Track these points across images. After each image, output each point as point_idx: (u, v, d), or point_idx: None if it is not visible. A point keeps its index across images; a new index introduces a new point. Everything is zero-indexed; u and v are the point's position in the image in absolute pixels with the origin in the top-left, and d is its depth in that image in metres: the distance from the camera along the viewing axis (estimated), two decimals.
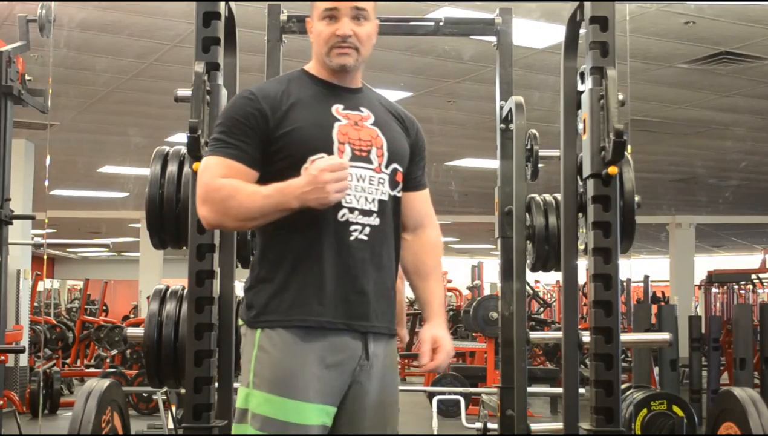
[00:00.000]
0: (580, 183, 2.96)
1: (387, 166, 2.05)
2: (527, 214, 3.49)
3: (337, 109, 2.05)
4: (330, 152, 1.98)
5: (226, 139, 1.99)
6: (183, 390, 2.80)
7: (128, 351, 10.12)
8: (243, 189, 1.94)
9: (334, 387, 1.97)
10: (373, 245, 2.01)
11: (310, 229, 1.96)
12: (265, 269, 2.02)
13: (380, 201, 2.03)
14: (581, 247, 3.01)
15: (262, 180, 1.99)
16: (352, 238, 1.98)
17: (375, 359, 2.02)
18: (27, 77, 4.60)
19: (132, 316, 15.52)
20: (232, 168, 1.97)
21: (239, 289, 3.12)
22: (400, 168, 2.08)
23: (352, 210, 1.98)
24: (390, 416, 2.07)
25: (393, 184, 2.06)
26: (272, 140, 2.00)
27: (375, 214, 2.01)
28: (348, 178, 1.90)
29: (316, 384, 1.95)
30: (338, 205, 1.95)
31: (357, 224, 1.98)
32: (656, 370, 8.33)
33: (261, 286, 2.02)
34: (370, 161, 2.02)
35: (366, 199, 2.00)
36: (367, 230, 2.00)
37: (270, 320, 1.99)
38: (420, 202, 2.19)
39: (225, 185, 1.94)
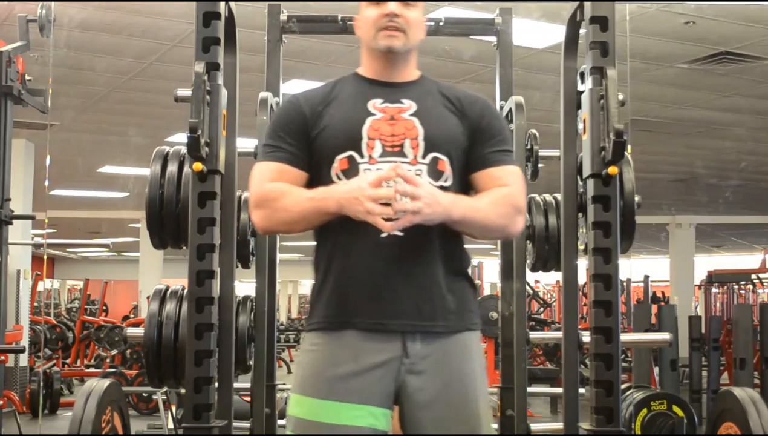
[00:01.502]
0: (580, 183, 2.96)
1: (424, 157, 1.98)
2: (527, 214, 3.49)
3: (374, 104, 2.02)
4: (358, 149, 1.97)
5: (273, 142, 2.03)
6: (183, 390, 2.80)
7: (128, 351, 10.12)
8: (289, 193, 1.95)
9: (375, 387, 1.93)
10: (410, 240, 1.93)
11: (342, 231, 1.95)
12: (314, 275, 2.06)
13: None
14: (581, 247, 3.01)
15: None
16: (383, 235, 1.92)
17: (426, 358, 1.95)
18: (27, 77, 4.61)
19: (132, 316, 15.53)
20: (280, 171, 2.00)
21: (239, 289, 3.13)
22: (442, 157, 2.00)
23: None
24: (463, 414, 1.96)
25: (435, 174, 1.98)
26: (310, 141, 2.01)
27: None
28: (393, 210, 1.82)
29: (349, 384, 1.92)
30: None
31: (389, 220, 1.91)
32: (656, 370, 8.33)
33: (312, 291, 2.06)
34: (404, 154, 1.97)
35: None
36: None
37: (311, 323, 2.01)
38: (493, 175, 2.03)
39: (272, 189, 1.97)
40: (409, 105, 2.03)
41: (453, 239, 2.01)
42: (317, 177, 2.00)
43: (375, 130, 1.98)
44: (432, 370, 1.95)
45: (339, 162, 1.97)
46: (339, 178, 1.98)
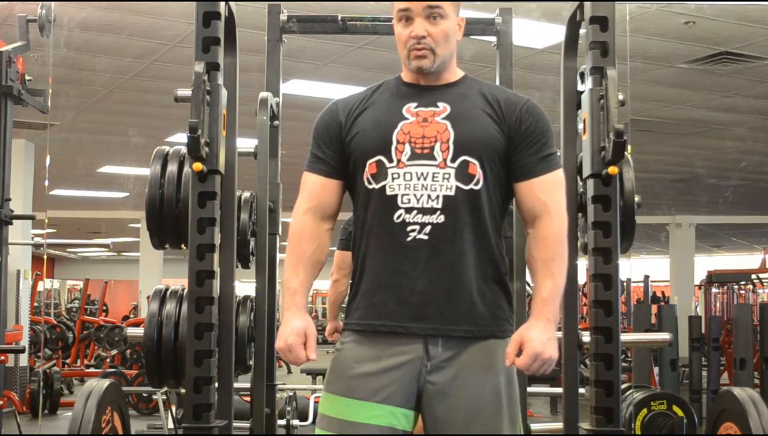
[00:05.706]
0: (580, 183, 2.96)
1: (454, 160, 1.97)
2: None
3: (408, 108, 2.03)
4: (387, 153, 1.98)
5: (313, 151, 2.09)
6: (183, 390, 2.80)
7: (128, 351, 10.13)
8: (295, 253, 2.04)
9: (395, 387, 1.95)
10: (436, 243, 1.94)
11: (372, 235, 1.99)
12: (352, 275, 2.11)
13: (445, 197, 1.96)
14: (581, 247, 3.01)
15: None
16: (409, 238, 1.94)
17: (448, 361, 1.96)
18: (27, 77, 4.60)
19: (132, 316, 15.54)
20: (317, 186, 2.07)
21: (239, 289, 3.14)
22: (473, 160, 1.98)
23: (409, 210, 1.95)
24: (485, 419, 1.97)
25: (464, 178, 1.97)
26: (345, 146, 2.05)
27: (439, 212, 1.95)
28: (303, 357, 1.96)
29: (370, 383, 1.95)
30: (395, 207, 1.95)
31: (415, 223, 1.94)
32: (656, 370, 8.33)
33: (349, 290, 2.16)
34: (433, 157, 1.97)
35: (429, 196, 1.95)
36: (428, 228, 1.94)
37: (345, 322, 2.08)
38: (533, 191, 2.02)
39: (294, 232, 2.06)
40: (444, 108, 2.03)
41: (486, 243, 2.01)
42: (353, 181, 2.05)
43: (405, 133, 2.00)
44: (452, 374, 1.96)
45: (369, 166, 2.00)
46: (369, 183, 2.00)
